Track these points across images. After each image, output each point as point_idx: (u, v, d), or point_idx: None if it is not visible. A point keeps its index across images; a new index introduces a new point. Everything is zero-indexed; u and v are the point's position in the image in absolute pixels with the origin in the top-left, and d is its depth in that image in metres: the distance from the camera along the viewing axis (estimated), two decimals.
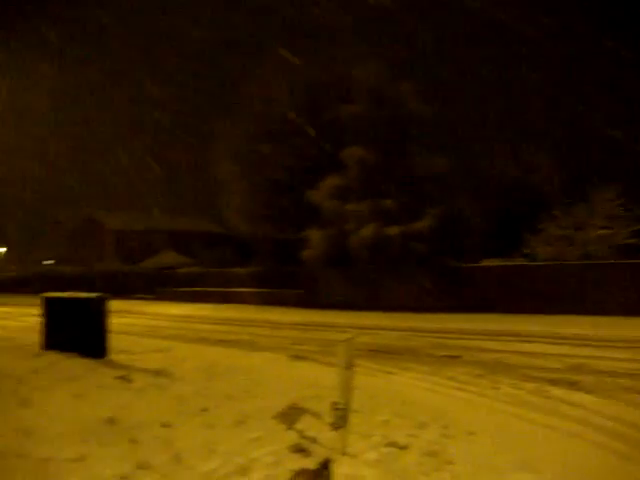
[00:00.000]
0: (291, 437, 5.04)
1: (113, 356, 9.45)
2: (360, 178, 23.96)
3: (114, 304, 9.97)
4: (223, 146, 30.22)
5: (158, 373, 8.10)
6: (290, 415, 5.78)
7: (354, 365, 4.63)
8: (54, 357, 9.33)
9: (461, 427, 5.50)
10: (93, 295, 9.74)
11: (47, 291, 11.17)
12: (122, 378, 7.67)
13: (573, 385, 7.71)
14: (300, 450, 4.67)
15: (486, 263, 22.37)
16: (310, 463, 4.37)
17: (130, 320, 18.51)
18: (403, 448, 4.80)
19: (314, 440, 4.92)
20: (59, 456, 4.48)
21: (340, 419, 4.42)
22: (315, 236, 24.40)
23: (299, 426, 5.39)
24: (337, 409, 4.43)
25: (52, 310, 10.35)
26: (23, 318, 19.91)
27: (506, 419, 6.00)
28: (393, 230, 22.14)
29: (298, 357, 10.25)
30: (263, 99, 29.09)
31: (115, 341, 9.87)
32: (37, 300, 11.20)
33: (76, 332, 9.65)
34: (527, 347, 11.34)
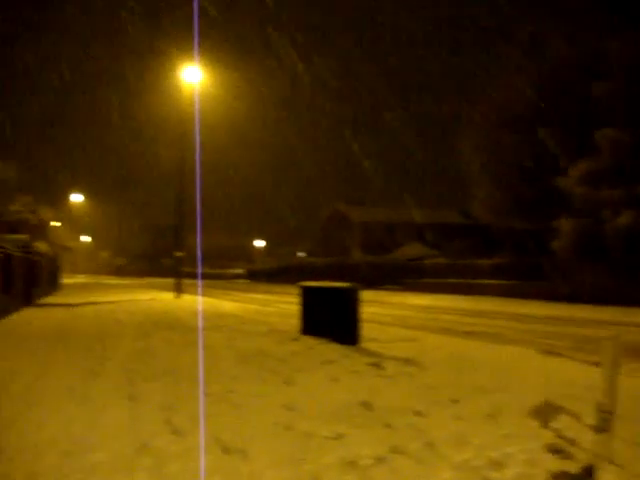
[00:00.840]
0: (546, 436, 4.79)
1: (363, 344, 9.90)
2: (615, 162, 21.85)
3: (362, 294, 10.41)
4: (467, 138, 29.92)
5: (407, 361, 8.28)
6: (544, 412, 5.50)
7: (620, 365, 4.24)
8: (310, 342, 10.08)
9: None
10: (346, 285, 10.29)
11: (300, 281, 12.10)
12: (374, 365, 7.99)
13: None
14: (557, 451, 4.42)
15: None
16: (570, 466, 4.10)
17: (377, 310, 19.20)
18: None
19: (573, 442, 4.62)
20: (319, 432, 4.83)
21: (604, 422, 4.08)
22: (565, 226, 22.89)
23: (555, 425, 5.11)
24: (602, 411, 4.09)
25: (309, 298, 11.17)
26: (279, 305, 21.81)
27: None
28: None
29: (549, 352, 9.70)
30: (506, 86, 28.11)
31: (364, 329, 10.32)
32: (290, 289, 12.16)
33: (330, 319, 10.30)
34: None
